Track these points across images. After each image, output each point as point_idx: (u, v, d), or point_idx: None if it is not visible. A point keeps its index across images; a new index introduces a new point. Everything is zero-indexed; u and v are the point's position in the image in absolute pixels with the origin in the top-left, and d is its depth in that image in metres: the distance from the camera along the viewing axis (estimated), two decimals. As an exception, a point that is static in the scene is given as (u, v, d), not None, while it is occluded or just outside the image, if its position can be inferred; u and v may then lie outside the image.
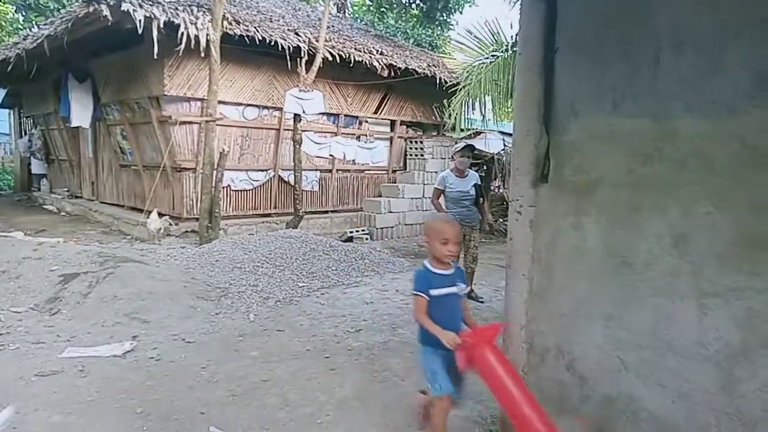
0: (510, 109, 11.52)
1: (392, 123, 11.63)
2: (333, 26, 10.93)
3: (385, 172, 11.67)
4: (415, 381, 3.70)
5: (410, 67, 10.63)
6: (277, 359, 4.09)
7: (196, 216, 8.47)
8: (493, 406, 3.18)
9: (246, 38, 8.23)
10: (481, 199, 6.01)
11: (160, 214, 8.71)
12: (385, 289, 6.24)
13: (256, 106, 9.38)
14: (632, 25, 2.42)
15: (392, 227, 10.73)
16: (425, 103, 12.02)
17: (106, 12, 7.10)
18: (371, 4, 19.17)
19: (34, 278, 5.44)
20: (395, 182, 11.40)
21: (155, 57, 7.38)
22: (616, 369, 2.48)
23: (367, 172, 11.39)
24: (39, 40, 8.80)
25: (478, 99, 9.56)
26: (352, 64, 9.67)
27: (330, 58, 9.21)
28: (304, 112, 9.03)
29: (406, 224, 10.91)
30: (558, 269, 2.71)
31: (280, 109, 9.34)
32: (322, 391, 3.55)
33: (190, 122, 8.60)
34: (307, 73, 8.88)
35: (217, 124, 8.26)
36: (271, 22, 9.23)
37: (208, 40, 7.60)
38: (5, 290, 5.18)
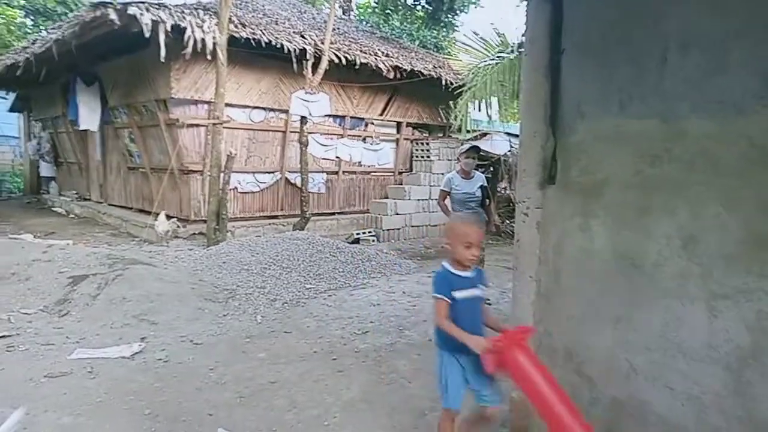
0: (516, 111, 11.51)
1: (398, 125, 11.64)
2: (338, 28, 10.95)
3: (392, 173, 11.68)
4: (423, 383, 3.71)
5: (416, 68, 10.63)
6: (284, 361, 4.10)
7: (203, 218, 8.51)
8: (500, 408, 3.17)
9: (252, 41, 8.26)
10: (488, 200, 5.99)
11: (168, 217, 8.75)
12: (392, 290, 6.25)
13: (262, 108, 9.41)
14: (638, 26, 2.41)
15: (399, 229, 10.73)
16: (431, 105, 12.01)
17: (113, 16, 7.16)
18: (376, 6, 19.19)
19: (44, 280, 5.48)
20: (401, 184, 11.40)
21: (162, 60, 7.42)
22: (625, 371, 2.47)
23: (373, 173, 11.40)
24: (47, 44, 8.88)
25: (483, 100, 9.54)
26: (357, 66, 9.68)
27: (336, 61, 9.23)
28: (310, 114, 9.05)
29: (412, 226, 10.90)
30: (565, 271, 2.71)
31: (287, 112, 9.37)
32: (330, 392, 3.56)
33: (198, 125, 8.64)
34: (313, 75, 8.90)
35: (224, 127, 8.28)
36: (276, 24, 9.26)
37: (214, 44, 7.63)
38: (15, 292, 5.22)
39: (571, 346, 2.67)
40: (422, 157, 11.45)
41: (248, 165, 9.38)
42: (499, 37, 9.53)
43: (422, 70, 10.74)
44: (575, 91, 2.66)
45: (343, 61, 9.37)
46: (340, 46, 9.59)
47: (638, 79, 2.41)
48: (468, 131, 12.12)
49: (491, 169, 11.76)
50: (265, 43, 8.36)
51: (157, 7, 7.45)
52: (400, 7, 18.20)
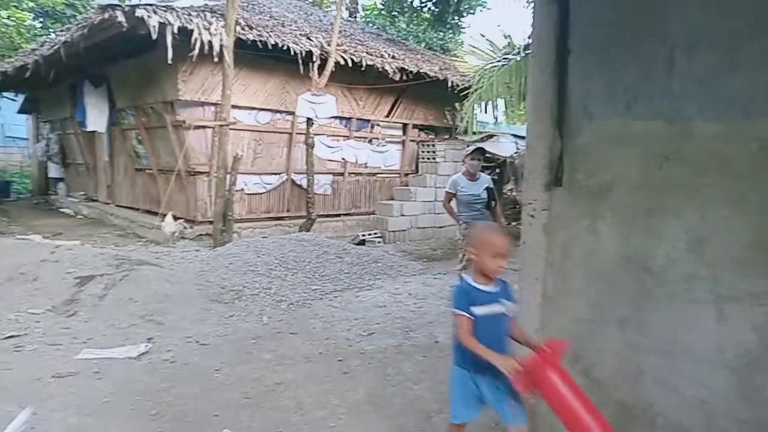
0: (523, 112, 11.49)
1: (404, 126, 11.64)
2: (345, 30, 10.97)
3: (398, 175, 11.68)
4: (428, 385, 3.70)
5: (422, 70, 10.63)
6: (290, 362, 4.10)
7: (210, 219, 8.53)
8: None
9: (259, 43, 8.29)
10: (493, 202, 5.97)
11: (175, 218, 8.78)
12: (397, 292, 6.24)
13: (269, 110, 9.44)
14: (645, 27, 2.40)
15: (404, 230, 10.72)
16: (437, 107, 12.01)
17: (121, 18, 7.20)
18: (383, 8, 19.21)
19: (52, 280, 5.51)
20: (407, 186, 11.40)
21: (169, 62, 7.46)
22: (632, 374, 2.46)
23: (379, 175, 11.40)
24: (56, 47, 8.95)
25: (490, 102, 9.53)
26: (363, 68, 9.69)
27: (342, 63, 9.25)
28: (316, 116, 9.07)
29: (418, 227, 10.89)
30: (572, 273, 2.69)
31: (293, 114, 9.39)
32: (335, 394, 3.56)
33: (204, 126, 8.68)
34: (319, 77, 8.92)
35: (231, 129, 8.31)
36: (283, 27, 9.29)
37: (221, 46, 7.66)
38: (23, 292, 5.25)
39: (577, 348, 2.65)
40: (428, 158, 11.44)
41: (254, 166, 9.41)
42: (506, 38, 9.53)
43: (428, 72, 10.74)
44: (582, 93, 2.65)
45: (350, 63, 9.39)
46: (346, 48, 9.61)
47: (645, 80, 2.39)
48: (474, 133, 12.11)
49: (497, 170, 11.75)
50: (272, 45, 8.39)
51: (164, 9, 7.49)
52: (407, 9, 18.20)
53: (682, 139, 2.27)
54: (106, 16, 7.40)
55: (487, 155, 10.76)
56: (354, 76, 9.99)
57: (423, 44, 15.71)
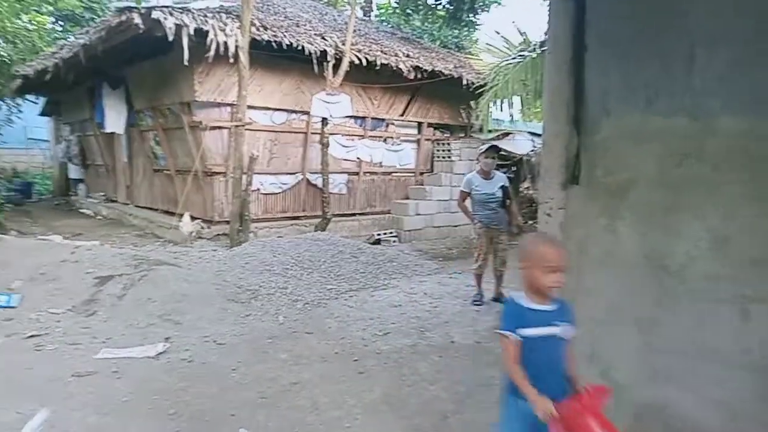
0: (539, 110, 11.38)
1: (419, 125, 11.61)
2: (359, 30, 10.96)
3: (413, 174, 11.65)
4: (444, 385, 3.68)
5: (436, 68, 10.59)
6: (306, 362, 4.11)
7: (226, 219, 8.59)
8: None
9: (274, 43, 8.32)
10: (508, 200, 5.92)
11: (193, 218, 8.86)
12: (413, 292, 6.22)
13: (284, 110, 9.47)
14: (665, 22, 2.35)
15: (420, 230, 10.69)
16: (452, 105, 11.95)
17: (137, 20, 7.28)
18: (397, 6, 19.18)
19: (72, 281, 5.59)
20: (422, 184, 11.36)
21: (186, 63, 7.52)
22: (651, 375, 2.41)
23: (394, 174, 11.38)
24: (75, 49, 9.08)
25: (505, 100, 9.45)
26: (378, 67, 9.67)
27: (356, 62, 9.24)
28: (331, 115, 9.07)
29: (433, 226, 10.85)
30: (590, 272, 2.66)
31: (308, 113, 9.41)
32: (351, 394, 3.55)
33: (221, 127, 8.74)
34: (334, 76, 8.93)
35: (247, 129, 8.36)
36: (298, 27, 9.31)
37: (236, 47, 7.70)
38: (44, 292, 5.33)
39: (595, 348, 2.62)
40: (443, 157, 11.39)
41: (270, 166, 9.45)
42: (521, 35, 9.44)
43: (443, 70, 10.69)
44: (599, 89, 2.60)
45: (364, 62, 9.38)
46: (360, 48, 9.60)
47: (665, 76, 2.35)
48: (490, 131, 12.03)
49: (513, 169, 11.66)
50: (287, 45, 8.41)
51: (180, 11, 7.56)
52: (421, 7, 18.15)
53: (704, 136, 2.23)
54: (123, 18, 7.49)
55: (503, 153, 10.70)
56: (368, 75, 9.97)
57: (438, 42, 15.63)
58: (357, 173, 10.70)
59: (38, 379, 3.61)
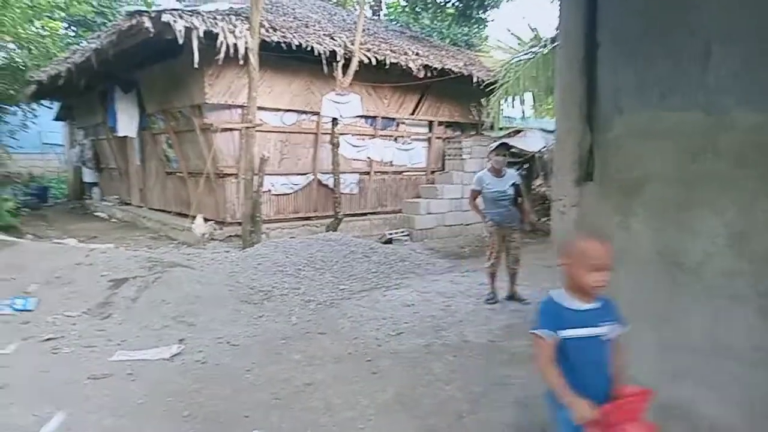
0: (551, 106, 11.29)
1: (430, 124, 11.57)
2: (368, 29, 10.95)
3: (424, 173, 11.62)
4: (459, 385, 3.66)
5: (446, 67, 10.54)
6: (319, 363, 4.11)
7: (239, 220, 8.63)
8: (541, 412, 3.09)
9: (283, 45, 8.33)
10: (520, 198, 5.88)
11: (205, 219, 8.92)
12: (426, 291, 6.19)
13: (294, 111, 9.48)
14: (677, 17, 2.32)
15: (432, 228, 10.66)
16: (463, 103, 11.90)
17: (147, 24, 7.32)
18: (406, 5, 19.14)
19: (87, 284, 5.64)
20: (434, 183, 11.33)
21: (196, 66, 7.56)
22: (670, 374, 2.38)
23: (405, 173, 11.36)
24: (87, 54, 9.17)
25: (517, 96, 9.39)
26: (388, 67, 9.65)
27: (366, 61, 9.23)
28: (341, 115, 9.08)
29: (445, 225, 10.81)
30: (605, 271, 2.62)
31: (318, 114, 9.42)
32: (364, 395, 3.54)
33: (231, 129, 8.78)
34: (343, 76, 8.93)
35: (257, 130, 8.38)
36: (307, 27, 9.32)
37: (246, 48, 7.73)
38: (60, 295, 5.39)
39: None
40: (454, 155, 11.34)
41: (281, 167, 9.47)
42: (532, 31, 9.37)
43: (453, 68, 10.64)
44: (612, 85, 2.57)
45: (374, 61, 9.36)
46: (370, 47, 9.59)
47: (679, 71, 2.31)
48: (501, 128, 11.96)
49: (526, 166, 11.57)
50: (296, 46, 8.42)
51: (189, 14, 7.60)
52: (430, 5, 18.09)
53: (719, 131, 2.19)
54: (134, 22, 7.54)
55: (515, 150, 10.63)
56: (378, 75, 9.96)
57: (447, 40, 15.59)
58: (368, 173, 10.69)
59: (55, 382, 3.65)
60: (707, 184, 2.24)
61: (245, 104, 8.30)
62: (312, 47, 8.57)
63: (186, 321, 5.00)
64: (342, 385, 3.68)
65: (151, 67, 9.62)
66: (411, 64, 9.89)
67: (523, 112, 10.55)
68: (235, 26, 7.86)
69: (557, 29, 2.95)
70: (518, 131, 12.11)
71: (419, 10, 18.34)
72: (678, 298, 2.34)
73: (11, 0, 10.88)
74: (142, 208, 11.96)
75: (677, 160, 2.33)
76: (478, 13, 17.74)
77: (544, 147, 11.29)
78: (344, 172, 9.79)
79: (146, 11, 7.57)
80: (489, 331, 4.85)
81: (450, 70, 10.56)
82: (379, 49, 9.73)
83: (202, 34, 7.44)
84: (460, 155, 11.18)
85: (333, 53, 8.81)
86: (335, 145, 9.10)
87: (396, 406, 3.40)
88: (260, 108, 8.48)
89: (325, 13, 11.85)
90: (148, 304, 5.26)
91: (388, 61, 9.55)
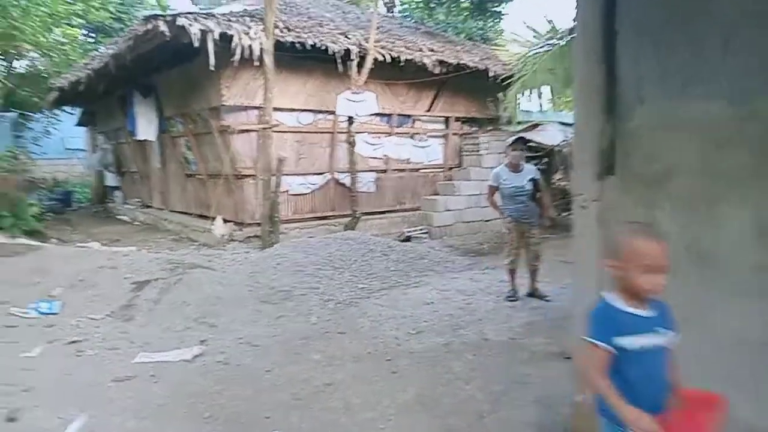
0: (569, 99, 11.11)
1: (446, 120, 11.49)
2: (382, 26, 10.90)
3: (441, 170, 11.53)
4: (479, 384, 3.62)
5: (462, 62, 10.45)
6: (338, 362, 4.10)
7: (258, 221, 8.67)
8: (562, 411, 3.04)
9: (297, 45, 8.34)
10: (539, 193, 5.79)
11: (225, 221, 8.99)
12: (445, 289, 6.15)
13: (310, 111, 9.49)
14: (698, 4, 2.24)
15: (450, 225, 10.59)
16: (479, 98, 11.79)
17: (163, 27, 7.39)
18: (420, 0, 19.03)
19: (110, 286, 5.72)
20: (451, 180, 11.25)
21: (212, 69, 7.60)
22: (699, 374, 2.30)
23: (422, 170, 11.30)
24: (105, 59, 9.30)
25: (534, 90, 9.26)
26: (402, 63, 9.61)
27: (380, 59, 9.19)
28: (357, 113, 9.06)
29: (464, 222, 10.73)
30: (628, 266, 2.55)
31: (334, 113, 9.41)
32: (384, 394, 3.52)
33: (249, 130, 8.81)
34: (358, 75, 8.91)
35: (274, 131, 8.41)
36: (321, 26, 9.31)
37: (261, 49, 7.75)
38: (84, 299, 5.48)
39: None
40: (472, 151, 11.24)
41: (298, 167, 9.49)
42: (549, 23, 9.22)
43: (468, 63, 10.55)
44: (632, 75, 2.50)
45: (388, 58, 9.32)
46: (384, 44, 9.54)
47: (700, 60, 2.24)
48: (519, 123, 11.82)
49: (545, 160, 11.43)
50: (311, 45, 8.43)
51: (204, 16, 7.65)
52: (445, 0, 17.96)
53: (743, 120, 2.11)
54: (150, 26, 7.62)
55: (532, 144, 10.50)
56: (393, 72, 9.91)
57: (462, 35, 15.45)
58: (385, 171, 10.66)
59: (79, 385, 3.70)
60: (734, 175, 2.16)
61: (261, 105, 8.33)
62: (326, 46, 8.57)
63: (207, 322, 5.04)
64: (362, 385, 3.67)
65: (168, 71, 9.72)
66: (426, 60, 9.83)
67: (541, 106, 10.43)
68: (249, 28, 7.89)
69: (574, 20, 2.88)
70: (536, 125, 11.96)
71: (434, 5, 18.21)
72: (707, 295, 2.27)
73: (31, 9, 11.08)
74: (163, 211, 12.10)
75: (702, 151, 2.25)
76: (493, 7, 17.55)
77: (563, 140, 11.14)
78: (361, 171, 9.78)
79: (162, 15, 7.64)
80: (509, 328, 4.79)
81: (465, 65, 10.47)
82: (394, 46, 9.68)
83: (217, 37, 7.49)
84: (478, 151, 11.08)
85: (347, 52, 8.79)
86: (351, 144, 9.09)
87: (416, 406, 3.37)
88: (276, 109, 8.50)
89: (339, 11, 11.83)
90: (169, 305, 5.32)
91: (402, 58, 9.51)
